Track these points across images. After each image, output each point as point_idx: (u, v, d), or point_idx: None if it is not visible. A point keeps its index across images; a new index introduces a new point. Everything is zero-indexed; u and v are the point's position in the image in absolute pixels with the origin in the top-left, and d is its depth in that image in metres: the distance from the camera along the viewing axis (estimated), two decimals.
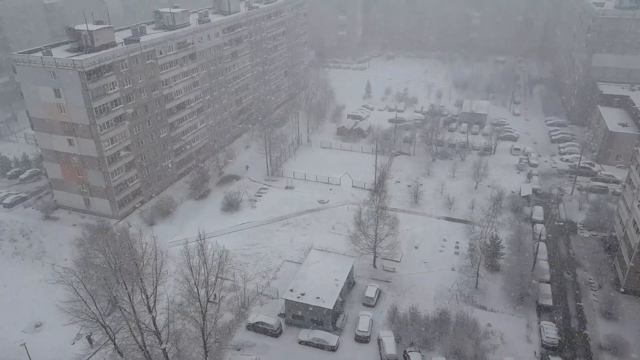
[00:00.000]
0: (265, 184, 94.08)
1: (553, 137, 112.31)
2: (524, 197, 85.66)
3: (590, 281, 66.80)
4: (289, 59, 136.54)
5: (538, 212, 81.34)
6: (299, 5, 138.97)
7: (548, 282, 65.83)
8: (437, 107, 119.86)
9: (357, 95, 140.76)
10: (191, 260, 51.47)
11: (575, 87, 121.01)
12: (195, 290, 50.77)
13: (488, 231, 66.14)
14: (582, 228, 78.30)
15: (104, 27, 78.19)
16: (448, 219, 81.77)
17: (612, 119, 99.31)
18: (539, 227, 75.78)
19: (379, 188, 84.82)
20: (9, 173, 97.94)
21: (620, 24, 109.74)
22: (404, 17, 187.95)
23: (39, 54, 73.98)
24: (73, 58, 71.37)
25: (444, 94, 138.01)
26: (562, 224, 78.69)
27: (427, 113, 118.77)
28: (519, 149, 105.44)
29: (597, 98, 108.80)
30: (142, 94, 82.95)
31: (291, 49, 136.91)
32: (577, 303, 63.59)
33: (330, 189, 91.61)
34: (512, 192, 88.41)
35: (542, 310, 61.93)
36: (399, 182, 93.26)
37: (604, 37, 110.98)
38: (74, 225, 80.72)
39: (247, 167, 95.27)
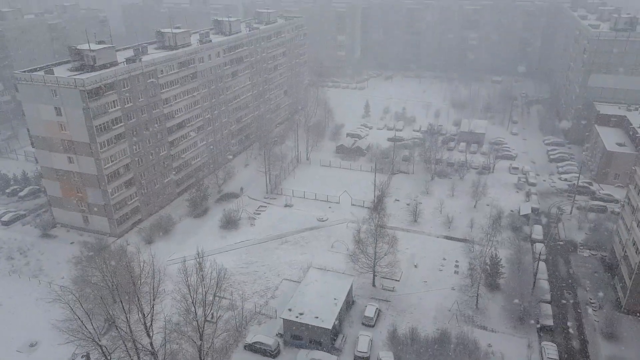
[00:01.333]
0: (265, 202, 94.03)
1: (551, 157, 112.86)
2: (523, 216, 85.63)
3: (591, 301, 66.32)
4: (289, 79, 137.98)
5: (537, 231, 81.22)
6: (298, 27, 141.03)
7: (549, 302, 65.36)
8: (435, 126, 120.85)
9: (356, 114, 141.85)
10: (189, 279, 51.21)
11: (573, 107, 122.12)
12: (193, 309, 50.38)
13: (488, 250, 65.98)
14: (582, 247, 78.09)
15: (106, 47, 79.19)
16: (447, 237, 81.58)
17: (610, 138, 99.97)
18: (539, 247, 75.58)
19: (378, 206, 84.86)
20: (8, 190, 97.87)
21: (615, 45, 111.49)
22: (402, 38, 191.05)
23: (41, 72, 74.72)
24: (75, 77, 72.07)
25: (442, 114, 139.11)
26: (561, 243, 78.52)
27: (426, 132, 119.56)
28: (517, 168, 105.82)
29: (594, 118, 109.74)
30: (143, 113, 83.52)
31: (291, 69, 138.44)
32: (578, 323, 63.02)
33: (330, 207, 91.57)
34: (511, 211, 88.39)
35: (543, 331, 61.33)
36: (398, 200, 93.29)
37: (600, 58, 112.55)
38: (72, 243, 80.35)
39: (241, 188, 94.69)
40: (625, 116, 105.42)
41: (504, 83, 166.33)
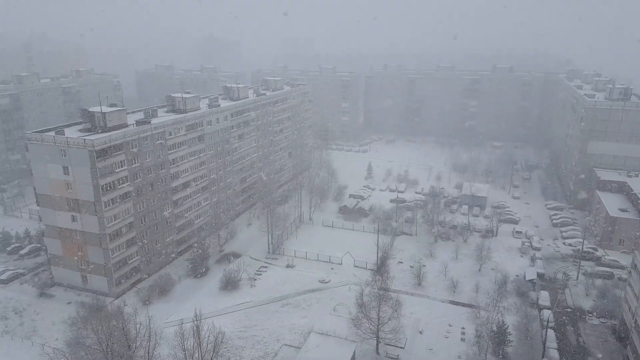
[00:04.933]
0: (266, 262, 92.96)
1: (554, 221, 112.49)
2: (529, 281, 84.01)
3: None
4: (294, 141, 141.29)
5: (544, 297, 79.31)
6: (304, 93, 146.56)
7: None
8: (437, 188, 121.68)
9: (359, 176, 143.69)
10: (185, 343, 49.73)
11: (573, 173, 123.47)
12: None
13: (494, 316, 64.18)
14: (590, 315, 75.83)
15: (117, 110, 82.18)
16: (453, 302, 79.60)
17: (612, 204, 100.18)
18: (546, 313, 73.47)
19: (381, 268, 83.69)
20: (9, 248, 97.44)
21: (612, 114, 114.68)
22: (403, 105, 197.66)
23: (52, 133, 77.01)
24: (84, 137, 74.20)
25: (444, 177, 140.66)
26: (569, 310, 76.37)
27: (428, 194, 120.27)
28: (520, 232, 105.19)
29: (595, 183, 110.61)
30: (149, 172, 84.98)
31: (296, 132, 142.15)
32: None
33: (332, 269, 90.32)
34: (517, 275, 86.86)
35: None
36: (401, 262, 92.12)
37: (597, 126, 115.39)
38: (68, 303, 78.75)
39: (230, 259, 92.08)
40: (626, 182, 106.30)
41: (503, 148, 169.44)
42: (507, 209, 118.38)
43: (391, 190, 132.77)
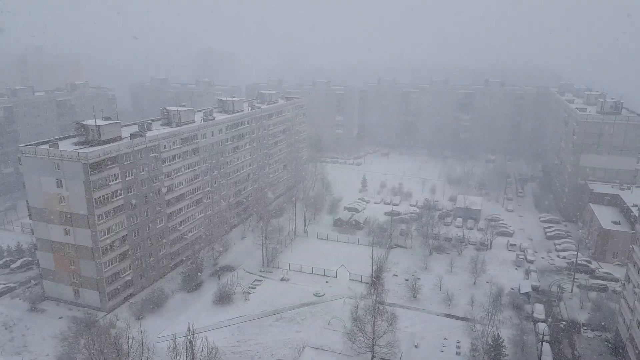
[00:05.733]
0: (260, 276, 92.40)
1: (548, 234, 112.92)
2: (523, 294, 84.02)
3: None
4: (288, 154, 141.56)
5: (539, 310, 79.27)
6: (299, 107, 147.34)
7: None
8: (431, 201, 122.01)
9: (354, 188, 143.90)
10: (178, 358, 49.14)
11: (566, 186, 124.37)
12: None
13: (489, 330, 64.00)
14: (585, 328, 75.78)
15: (112, 123, 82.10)
16: (448, 315, 79.31)
17: (605, 217, 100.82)
18: (542, 326, 73.33)
19: (376, 281, 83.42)
20: (0, 262, 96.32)
21: (604, 127, 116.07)
22: (397, 118, 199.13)
23: (46, 146, 76.74)
24: (78, 150, 74.01)
25: (438, 189, 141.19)
26: (564, 323, 76.30)
27: (422, 207, 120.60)
28: (515, 245, 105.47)
29: (588, 196, 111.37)
30: (143, 185, 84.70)
31: (290, 145, 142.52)
32: None
33: (327, 282, 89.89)
34: (512, 288, 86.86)
35: None
36: (396, 275, 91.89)
37: (589, 139, 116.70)
38: (60, 317, 77.66)
39: (218, 276, 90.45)
40: (619, 195, 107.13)
41: (497, 161, 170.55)
42: (501, 221, 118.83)
43: (386, 203, 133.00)
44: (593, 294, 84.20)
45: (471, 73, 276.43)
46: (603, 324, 75.04)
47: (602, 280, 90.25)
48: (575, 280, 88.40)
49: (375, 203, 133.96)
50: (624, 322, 67.92)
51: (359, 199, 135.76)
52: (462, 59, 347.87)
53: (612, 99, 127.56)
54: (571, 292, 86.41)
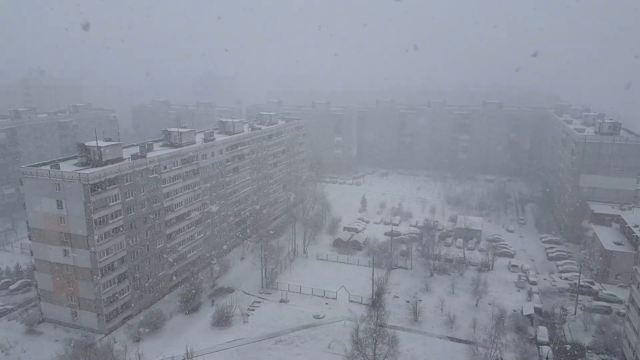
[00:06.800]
0: (260, 297, 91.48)
1: (550, 255, 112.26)
2: (526, 316, 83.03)
3: None
4: (288, 174, 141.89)
5: (542, 332, 78.16)
6: (298, 127, 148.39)
7: None
8: (431, 221, 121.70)
9: (353, 208, 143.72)
10: None
11: (566, 206, 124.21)
12: None
13: (492, 353, 63.05)
14: (590, 351, 74.60)
15: (112, 144, 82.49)
16: (450, 338, 78.18)
17: (607, 237, 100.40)
18: (545, 350, 72.28)
19: (376, 303, 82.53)
20: None
21: (602, 148, 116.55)
22: (395, 139, 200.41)
23: (47, 167, 77.01)
24: (79, 171, 74.22)
25: (438, 210, 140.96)
26: (568, 346, 75.16)
27: (423, 227, 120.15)
28: (516, 266, 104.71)
29: (589, 217, 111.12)
30: (143, 206, 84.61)
31: (290, 165, 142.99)
32: None
33: (326, 303, 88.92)
34: (514, 310, 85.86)
35: None
36: (397, 297, 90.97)
37: (588, 159, 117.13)
38: (57, 340, 76.59)
39: (212, 301, 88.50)
40: (620, 215, 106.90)
41: (496, 182, 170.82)
42: (502, 242, 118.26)
43: (385, 223, 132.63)
44: (597, 316, 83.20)
45: (469, 95, 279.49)
46: (608, 347, 73.90)
47: (606, 302, 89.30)
48: (578, 302, 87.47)
49: (375, 223, 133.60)
50: (629, 345, 66.96)
51: (358, 219, 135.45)
52: (459, 81, 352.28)
53: (610, 119, 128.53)
54: (574, 314, 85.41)
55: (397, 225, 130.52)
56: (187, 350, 55.93)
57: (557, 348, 74.89)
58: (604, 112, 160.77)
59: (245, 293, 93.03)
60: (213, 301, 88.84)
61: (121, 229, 79.73)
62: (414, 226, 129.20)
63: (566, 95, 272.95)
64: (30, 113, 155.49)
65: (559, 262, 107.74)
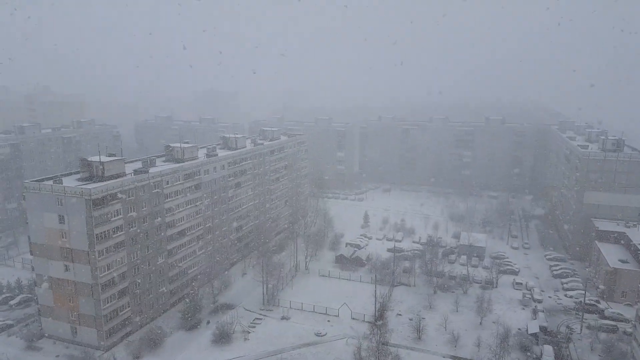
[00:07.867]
0: (261, 314, 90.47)
1: (554, 272, 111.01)
2: (531, 334, 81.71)
3: None
4: (290, 190, 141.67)
5: (548, 352, 76.74)
6: (300, 143, 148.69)
7: None
8: (435, 238, 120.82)
9: (356, 224, 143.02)
10: None
11: (571, 223, 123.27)
12: None
13: None
14: None
15: (115, 159, 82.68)
16: (454, 357, 76.91)
17: (612, 255, 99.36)
18: None
19: (379, 321, 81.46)
20: None
21: (606, 165, 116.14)
22: (397, 154, 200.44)
23: (50, 182, 77.03)
24: (82, 186, 74.21)
25: (441, 226, 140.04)
26: None
27: (426, 244, 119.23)
28: (521, 284, 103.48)
29: (594, 234, 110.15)
30: (145, 221, 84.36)
31: (292, 181, 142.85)
32: None
33: (328, 321, 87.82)
34: (519, 329, 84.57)
35: None
36: (400, 314, 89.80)
37: (592, 176, 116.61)
38: (57, 356, 75.75)
39: (207, 322, 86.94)
40: (625, 232, 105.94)
41: (500, 198, 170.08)
42: (506, 259, 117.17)
43: (388, 240, 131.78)
44: (603, 335, 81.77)
45: (472, 111, 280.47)
46: None
47: (612, 320, 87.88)
48: (584, 320, 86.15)
49: (378, 239, 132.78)
50: None
51: (361, 235, 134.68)
52: (461, 97, 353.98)
53: (614, 136, 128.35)
54: (580, 332, 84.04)
55: (400, 241, 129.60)
56: None
57: None
58: (607, 128, 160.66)
59: (246, 310, 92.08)
60: (208, 322, 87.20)
61: (122, 244, 79.38)
62: (417, 242, 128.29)
63: (568, 112, 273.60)
64: (34, 128, 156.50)
65: (563, 280, 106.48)
